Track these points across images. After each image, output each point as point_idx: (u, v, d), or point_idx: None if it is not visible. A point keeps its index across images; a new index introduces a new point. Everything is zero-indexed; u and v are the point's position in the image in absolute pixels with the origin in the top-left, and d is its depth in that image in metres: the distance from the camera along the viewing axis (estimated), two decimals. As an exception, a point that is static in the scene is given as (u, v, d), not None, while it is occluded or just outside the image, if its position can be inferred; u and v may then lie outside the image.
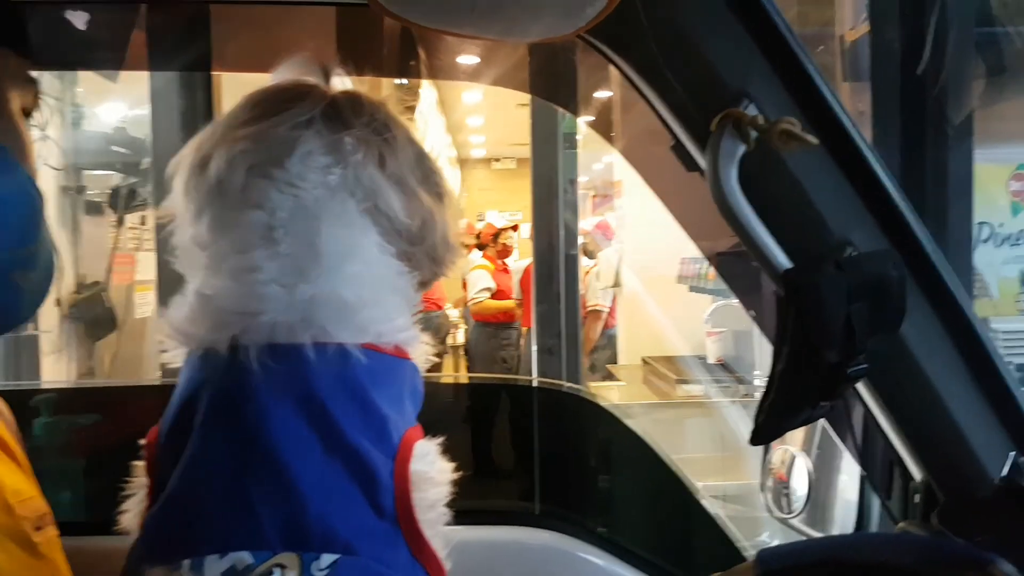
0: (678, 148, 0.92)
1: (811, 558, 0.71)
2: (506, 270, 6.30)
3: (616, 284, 5.70)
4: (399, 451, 0.77)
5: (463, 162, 11.14)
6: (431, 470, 0.79)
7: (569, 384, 2.02)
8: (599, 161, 7.10)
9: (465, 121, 8.82)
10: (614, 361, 5.70)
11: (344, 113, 0.82)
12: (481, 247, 6.79)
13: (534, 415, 1.79)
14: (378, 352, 0.79)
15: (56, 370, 3.66)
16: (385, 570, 0.72)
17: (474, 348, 6.45)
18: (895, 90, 1.82)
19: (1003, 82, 2.30)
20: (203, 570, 0.68)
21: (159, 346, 0.81)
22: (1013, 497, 0.80)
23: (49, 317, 3.61)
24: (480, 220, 10.49)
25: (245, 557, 0.68)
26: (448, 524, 0.81)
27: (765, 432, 0.88)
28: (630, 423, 1.67)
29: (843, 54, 2.40)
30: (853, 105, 2.37)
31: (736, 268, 1.27)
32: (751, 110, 0.81)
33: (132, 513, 0.78)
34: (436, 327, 6.79)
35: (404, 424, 0.80)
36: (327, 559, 0.69)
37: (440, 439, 0.84)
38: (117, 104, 4.00)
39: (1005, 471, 0.84)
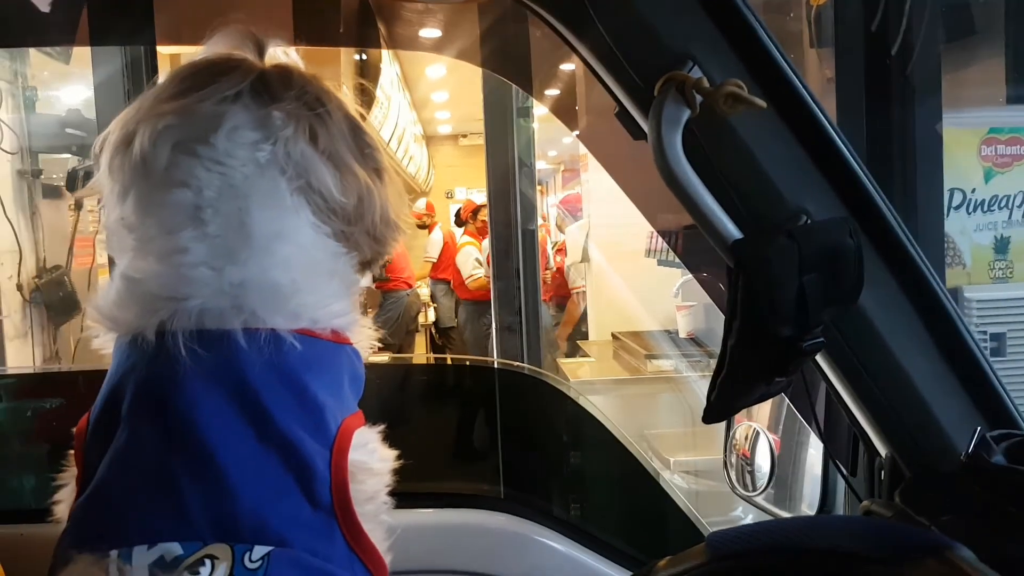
0: (623, 115, 0.87)
1: (762, 542, 0.67)
2: (491, 247, 6.33)
3: (584, 259, 5.68)
4: (337, 440, 0.75)
5: (430, 139, 11.02)
6: (370, 460, 0.78)
7: (530, 367, 1.99)
8: (568, 135, 7.03)
9: (430, 97, 8.69)
10: (585, 337, 5.68)
11: (273, 87, 0.79)
12: (462, 224, 6.79)
13: (496, 398, 1.77)
14: (314, 338, 0.76)
15: (22, 355, 3.61)
16: (319, 562, 0.71)
17: (464, 326, 6.56)
18: (860, 56, 1.78)
19: (974, 45, 2.27)
20: (131, 560, 0.66)
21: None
22: (978, 474, 0.77)
23: (11, 302, 3.56)
24: (449, 197, 10.45)
25: (174, 548, 0.66)
26: (408, 507, 0.79)
27: (718, 410, 0.84)
28: (589, 406, 1.65)
29: (810, 20, 2.37)
30: (822, 71, 2.34)
31: (690, 244, 1.23)
32: (696, 73, 0.76)
33: (64, 503, 0.77)
34: (407, 306, 6.78)
35: (343, 412, 0.78)
36: (260, 551, 0.67)
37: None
38: (71, 86, 3.92)
39: (971, 447, 0.80)
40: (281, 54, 0.85)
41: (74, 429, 0.78)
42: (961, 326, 0.89)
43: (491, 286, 3.09)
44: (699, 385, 3.53)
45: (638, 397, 3.80)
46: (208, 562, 0.66)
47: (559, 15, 0.81)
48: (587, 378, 4.14)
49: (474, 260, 6.32)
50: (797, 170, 0.81)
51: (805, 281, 0.75)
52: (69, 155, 4.05)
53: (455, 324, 6.99)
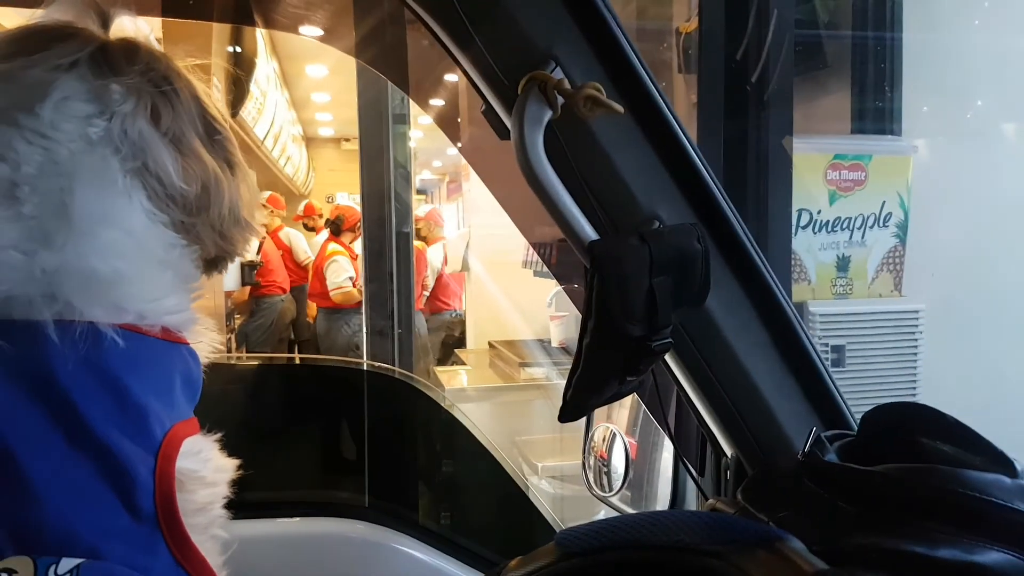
0: (489, 113, 0.87)
1: (607, 539, 0.69)
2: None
3: (463, 268, 5.68)
4: (163, 447, 0.69)
5: (310, 140, 10.74)
6: (203, 469, 0.73)
7: (401, 371, 1.97)
8: (452, 147, 7.01)
9: (310, 97, 8.47)
10: (462, 345, 5.69)
11: (115, 59, 0.73)
12: (337, 232, 6.52)
13: (364, 402, 1.73)
14: (140, 334, 0.71)
15: None
16: None
17: (324, 336, 6.26)
18: (720, 81, 1.87)
19: (825, 78, 2.43)
20: None
21: None
22: (812, 472, 0.81)
23: None
24: (330, 201, 10.22)
25: None
26: (267, 517, 0.75)
27: (573, 408, 0.85)
28: (458, 412, 1.64)
29: (679, 47, 2.46)
30: (688, 96, 2.44)
31: (560, 256, 1.25)
32: (558, 74, 0.77)
33: None
34: (281, 313, 6.57)
35: (172, 417, 0.72)
36: (67, 563, 0.61)
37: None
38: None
39: (807, 446, 0.84)
40: (131, 27, 0.79)
41: None
42: (801, 332, 0.94)
43: (363, 289, 3.04)
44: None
45: (510, 404, 3.84)
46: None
47: (425, 4, 0.80)
48: (461, 386, 4.15)
49: (346, 277, 6.06)
50: (651, 176, 0.84)
51: (655, 283, 0.77)
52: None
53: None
